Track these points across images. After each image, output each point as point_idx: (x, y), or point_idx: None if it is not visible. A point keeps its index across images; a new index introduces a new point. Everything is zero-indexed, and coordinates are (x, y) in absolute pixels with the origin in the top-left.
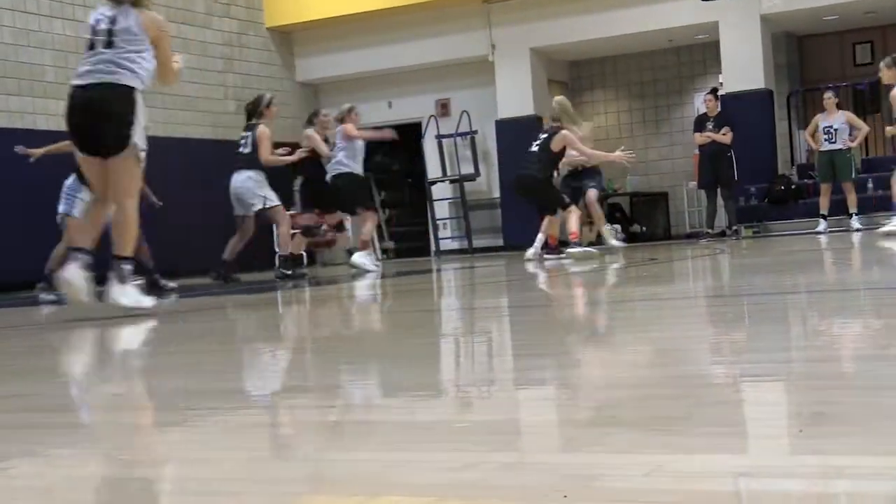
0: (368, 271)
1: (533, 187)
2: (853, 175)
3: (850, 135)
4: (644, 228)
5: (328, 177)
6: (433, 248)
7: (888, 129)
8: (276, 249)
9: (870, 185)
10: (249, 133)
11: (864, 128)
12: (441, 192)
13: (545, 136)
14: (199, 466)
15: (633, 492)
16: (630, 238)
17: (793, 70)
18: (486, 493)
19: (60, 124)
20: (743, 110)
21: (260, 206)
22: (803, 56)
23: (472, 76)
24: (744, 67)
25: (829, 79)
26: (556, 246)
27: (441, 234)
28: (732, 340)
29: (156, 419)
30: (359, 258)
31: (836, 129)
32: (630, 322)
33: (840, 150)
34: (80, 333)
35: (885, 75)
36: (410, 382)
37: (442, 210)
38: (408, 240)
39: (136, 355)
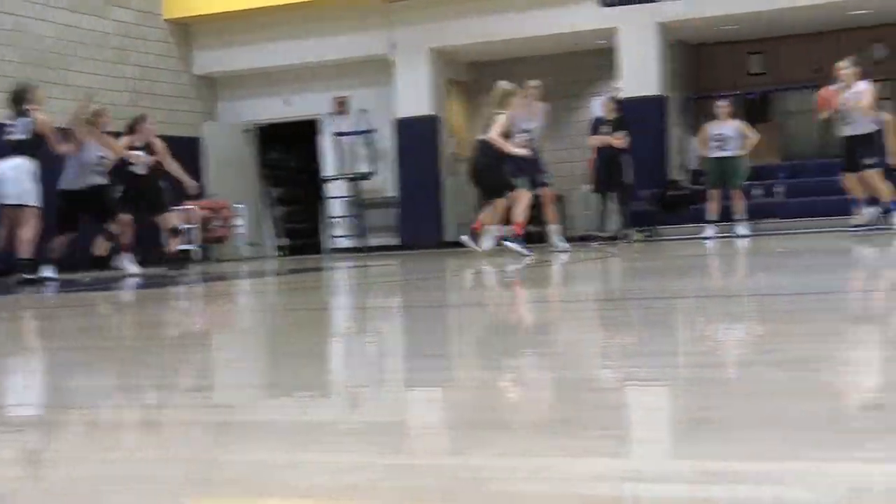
0: (132, 273)
1: (476, 172)
2: (742, 182)
3: (741, 142)
4: (540, 229)
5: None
6: (326, 245)
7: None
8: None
9: (758, 192)
10: (25, 120)
11: (754, 136)
12: (337, 190)
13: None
14: (83, 466)
15: (519, 494)
16: (525, 239)
17: (688, 77)
18: (373, 496)
19: None
20: (638, 116)
21: (15, 201)
22: (699, 64)
23: (370, 74)
24: (640, 73)
25: (722, 87)
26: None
27: (335, 231)
28: (620, 344)
29: (37, 418)
30: (125, 261)
31: (727, 137)
32: (519, 324)
33: (730, 157)
34: None
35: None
36: (299, 382)
37: (337, 208)
38: (301, 237)
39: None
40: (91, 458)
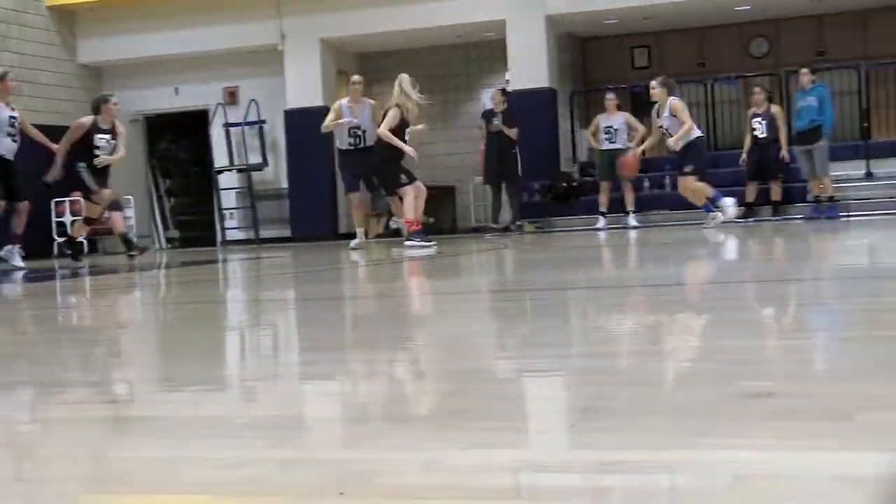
0: (17, 267)
1: (372, 166)
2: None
3: (627, 135)
4: (432, 220)
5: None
6: (219, 237)
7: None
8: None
9: (646, 184)
10: None
11: (641, 129)
12: (228, 181)
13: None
14: None
15: (410, 487)
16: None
17: (576, 70)
18: (262, 491)
19: None
20: (528, 108)
21: None
22: (586, 57)
23: (261, 65)
24: (529, 66)
25: (610, 80)
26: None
27: (227, 223)
28: (512, 335)
29: None
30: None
31: (616, 129)
32: (412, 316)
33: (619, 149)
34: None
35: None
36: (192, 376)
37: (229, 199)
38: (193, 229)
39: None
40: None
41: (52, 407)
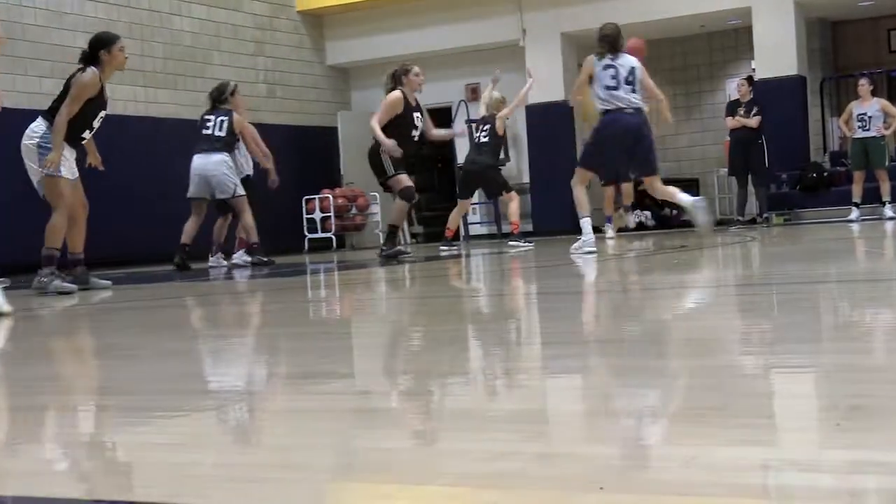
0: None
1: (484, 174)
2: (887, 163)
3: (883, 122)
4: (675, 212)
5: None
6: (462, 232)
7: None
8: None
9: None
10: (224, 117)
11: None
12: None
13: (488, 126)
14: (234, 453)
15: (670, 483)
16: (661, 223)
17: (826, 56)
18: (522, 484)
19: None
20: (776, 96)
21: (229, 195)
22: (837, 42)
23: (502, 61)
24: (777, 53)
25: (862, 65)
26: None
27: (470, 218)
28: (764, 330)
29: (193, 405)
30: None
31: (870, 117)
32: (661, 311)
33: (874, 137)
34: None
35: None
36: (440, 369)
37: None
38: (437, 224)
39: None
40: (240, 444)
41: (305, 397)
